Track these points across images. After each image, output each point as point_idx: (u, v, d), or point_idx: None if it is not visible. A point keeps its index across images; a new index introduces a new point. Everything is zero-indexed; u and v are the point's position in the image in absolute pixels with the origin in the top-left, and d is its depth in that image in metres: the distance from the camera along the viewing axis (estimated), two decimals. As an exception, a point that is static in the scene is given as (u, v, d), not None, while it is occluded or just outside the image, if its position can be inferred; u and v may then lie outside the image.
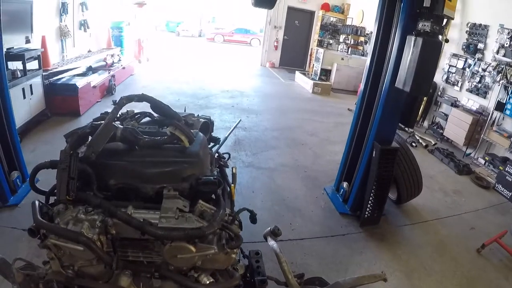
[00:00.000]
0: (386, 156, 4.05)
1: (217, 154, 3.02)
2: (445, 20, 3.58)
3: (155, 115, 2.60)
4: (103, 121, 2.13)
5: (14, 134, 4.41)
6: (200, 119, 2.92)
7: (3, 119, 4.22)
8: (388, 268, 3.72)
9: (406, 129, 8.29)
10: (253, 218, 2.45)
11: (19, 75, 6.03)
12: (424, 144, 7.70)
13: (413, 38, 3.45)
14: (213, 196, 2.14)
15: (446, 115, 8.03)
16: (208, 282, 2.02)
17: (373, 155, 4.10)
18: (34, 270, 2.13)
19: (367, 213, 4.33)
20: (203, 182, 2.04)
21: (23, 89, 6.13)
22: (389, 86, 3.86)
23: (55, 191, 1.93)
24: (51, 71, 7.68)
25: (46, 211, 1.98)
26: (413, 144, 7.58)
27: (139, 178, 2.05)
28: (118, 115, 2.51)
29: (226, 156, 3.36)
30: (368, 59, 4.52)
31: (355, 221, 4.51)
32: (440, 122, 8.49)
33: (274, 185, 5.29)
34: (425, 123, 9.10)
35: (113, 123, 2.12)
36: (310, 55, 15.76)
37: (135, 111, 2.74)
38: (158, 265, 2.06)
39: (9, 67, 5.84)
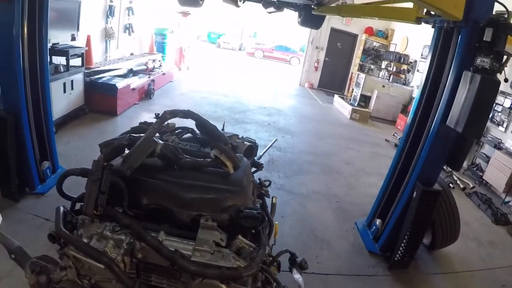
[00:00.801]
0: (427, 198, 3.76)
1: (258, 181, 2.83)
2: (505, 57, 3.28)
3: (198, 132, 2.46)
4: (142, 134, 2.01)
5: (49, 125, 4.55)
6: (245, 142, 2.74)
7: (41, 109, 4.34)
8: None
9: (445, 167, 7.86)
10: (293, 261, 2.22)
11: (62, 70, 6.29)
12: (461, 186, 7.24)
13: (470, 74, 3.19)
14: (252, 230, 1.97)
15: (488, 157, 7.46)
16: None
17: (414, 196, 3.83)
18: (48, 273, 1.98)
19: (398, 255, 4.04)
20: (245, 215, 1.87)
21: (64, 83, 6.40)
22: (439, 124, 3.60)
23: (83, 199, 1.81)
24: (93, 70, 8.00)
25: (70, 219, 1.89)
26: (450, 184, 7.12)
27: (175, 202, 1.91)
28: None
29: (267, 183, 3.10)
30: (418, 92, 4.26)
31: (383, 262, 4.24)
32: (480, 164, 7.88)
33: (305, 212, 5.12)
34: (464, 163, 8.55)
35: (154, 137, 2.00)
36: (350, 79, 15.48)
37: (176, 125, 2.61)
38: None
39: (53, 62, 6.15)
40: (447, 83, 3.61)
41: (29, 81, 4.05)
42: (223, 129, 3.00)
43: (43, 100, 4.35)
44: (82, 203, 1.91)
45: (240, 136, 2.88)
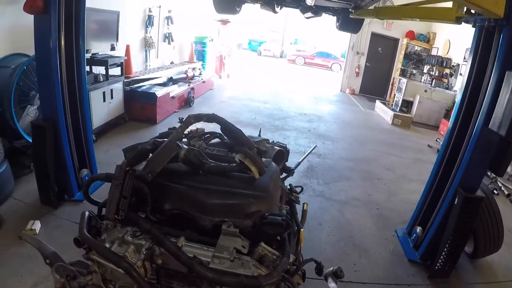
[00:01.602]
0: (469, 205, 3.58)
1: (289, 187, 2.74)
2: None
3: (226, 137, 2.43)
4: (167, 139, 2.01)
5: (88, 133, 4.65)
6: (275, 147, 2.67)
7: (79, 118, 4.46)
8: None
9: (489, 173, 7.47)
10: (319, 270, 2.13)
11: (101, 79, 6.45)
12: (506, 192, 6.82)
13: (513, 75, 3.02)
14: (278, 237, 1.90)
15: None
16: None
17: (455, 202, 3.66)
18: (75, 278, 2.01)
19: (438, 264, 3.87)
20: (269, 222, 1.82)
21: (103, 92, 6.53)
22: (481, 127, 3.44)
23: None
24: (132, 79, 8.15)
25: (95, 224, 1.90)
26: (495, 191, 6.72)
27: (197, 207, 1.88)
28: (186, 133, 2.38)
29: (298, 189, 2.97)
30: (459, 95, 4.09)
31: (423, 271, 4.07)
32: None
33: (343, 219, 5.02)
34: (509, 169, 8.03)
35: (178, 142, 1.99)
36: (392, 84, 15.09)
37: (205, 130, 2.58)
38: None
39: (92, 71, 6.32)
40: (490, 84, 3.44)
41: (67, 91, 4.16)
42: (259, 135, 2.99)
43: (81, 109, 4.45)
44: None
45: (271, 141, 2.85)
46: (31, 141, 4.32)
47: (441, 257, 3.83)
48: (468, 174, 3.62)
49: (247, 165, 1.93)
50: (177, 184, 1.93)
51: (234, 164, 1.99)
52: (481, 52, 3.74)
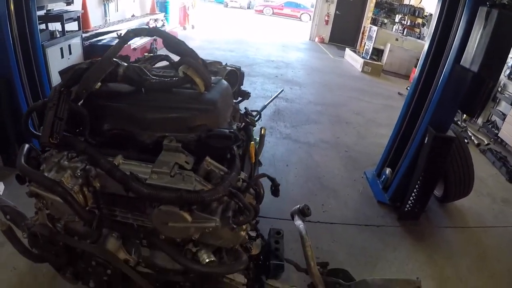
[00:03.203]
0: (439, 145, 3.56)
1: (244, 110, 2.58)
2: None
3: (174, 59, 2.18)
4: None
5: (46, 91, 4.43)
6: (227, 67, 2.48)
7: (35, 76, 4.26)
8: (421, 272, 3.33)
9: (458, 123, 7.59)
10: (275, 189, 2.00)
11: (58, 35, 6.20)
12: (476, 142, 6.96)
13: (486, 9, 2.94)
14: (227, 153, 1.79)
15: (504, 115, 7.08)
16: (208, 260, 1.66)
17: (425, 142, 3.63)
18: (22, 219, 1.95)
19: (408, 206, 3.90)
20: (215, 134, 1.69)
21: (61, 48, 6.33)
22: (452, 65, 3.35)
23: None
24: (91, 33, 7.92)
25: (35, 155, 1.76)
26: (465, 140, 6.87)
27: (138, 124, 1.74)
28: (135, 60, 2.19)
29: (254, 113, 2.80)
30: (429, 37, 3.97)
31: (393, 212, 4.12)
32: (496, 121, 7.48)
33: (311, 161, 5.00)
34: (480, 120, 8.17)
35: (116, 59, 1.80)
36: (363, 33, 14.90)
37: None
38: (148, 231, 1.74)
39: (48, 28, 6.09)
40: (461, 21, 3.32)
41: (19, 48, 3.93)
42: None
43: (36, 65, 4.25)
44: None
45: (224, 64, 2.67)
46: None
47: (411, 198, 3.85)
48: (439, 112, 3.57)
49: (190, 76, 1.77)
50: (116, 103, 1.78)
51: (177, 79, 1.83)
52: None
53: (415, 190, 3.80)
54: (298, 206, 2.07)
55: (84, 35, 7.27)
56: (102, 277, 1.83)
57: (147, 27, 1.84)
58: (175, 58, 2.05)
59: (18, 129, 4.01)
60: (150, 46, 9.26)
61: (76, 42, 6.84)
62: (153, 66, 2.25)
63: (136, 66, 1.83)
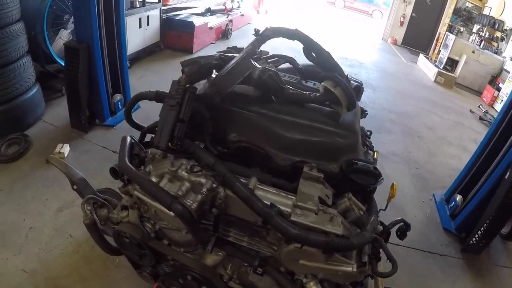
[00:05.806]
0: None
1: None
2: None
3: (300, 63, 1.98)
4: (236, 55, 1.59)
5: (123, 59, 4.55)
6: (351, 81, 2.15)
7: (115, 43, 4.32)
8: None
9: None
10: (402, 233, 1.80)
11: (138, 5, 6.29)
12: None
13: None
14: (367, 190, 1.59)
15: None
16: None
17: (506, 177, 3.37)
18: (108, 211, 1.81)
19: (474, 239, 3.66)
20: (360, 169, 1.49)
21: (140, 18, 6.41)
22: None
23: (155, 128, 1.46)
24: (170, 7, 7.98)
25: (138, 152, 1.58)
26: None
27: (273, 141, 1.52)
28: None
29: (368, 133, 2.54)
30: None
31: (457, 242, 3.92)
32: None
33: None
34: None
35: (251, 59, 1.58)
36: (437, 39, 14.12)
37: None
38: (264, 258, 1.55)
39: None
40: None
41: (103, 15, 3.99)
42: None
43: (117, 33, 4.31)
44: (154, 135, 1.57)
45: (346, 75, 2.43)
46: (63, 64, 4.17)
47: (479, 232, 3.61)
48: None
49: (337, 95, 1.55)
50: (246, 110, 1.57)
51: (318, 94, 1.62)
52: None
53: (485, 224, 3.55)
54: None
55: (162, 8, 7.33)
56: None
57: (289, 28, 1.64)
58: (301, 60, 1.87)
59: (91, 93, 4.14)
60: (225, 27, 9.29)
61: (154, 14, 6.91)
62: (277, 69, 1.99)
63: (272, 71, 1.60)
